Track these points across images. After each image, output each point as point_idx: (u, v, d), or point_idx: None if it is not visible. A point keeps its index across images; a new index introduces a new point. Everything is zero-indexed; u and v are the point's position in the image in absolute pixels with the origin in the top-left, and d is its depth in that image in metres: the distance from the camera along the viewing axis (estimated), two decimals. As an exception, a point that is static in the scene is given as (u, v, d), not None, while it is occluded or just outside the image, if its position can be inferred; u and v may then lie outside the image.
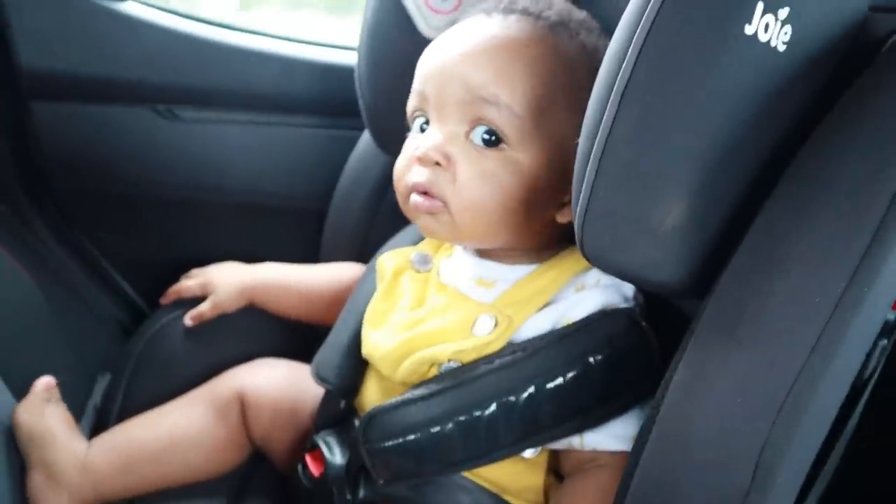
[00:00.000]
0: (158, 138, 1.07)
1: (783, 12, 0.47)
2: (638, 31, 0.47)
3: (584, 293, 0.66)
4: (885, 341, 0.51)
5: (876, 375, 0.54)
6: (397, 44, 0.85)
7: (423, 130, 0.68)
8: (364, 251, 0.95)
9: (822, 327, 0.45)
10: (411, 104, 0.69)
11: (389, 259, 0.79)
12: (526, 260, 0.70)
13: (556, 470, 0.68)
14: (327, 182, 1.08)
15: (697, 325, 0.51)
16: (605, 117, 0.49)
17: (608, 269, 0.54)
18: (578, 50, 0.66)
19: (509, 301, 0.67)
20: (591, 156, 0.50)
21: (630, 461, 0.54)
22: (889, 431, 0.67)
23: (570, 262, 0.68)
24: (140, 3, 1.06)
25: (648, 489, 0.52)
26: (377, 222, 0.99)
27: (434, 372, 0.66)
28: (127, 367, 0.93)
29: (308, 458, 0.73)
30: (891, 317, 0.52)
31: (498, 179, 0.63)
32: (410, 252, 0.78)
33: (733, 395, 0.48)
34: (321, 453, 0.71)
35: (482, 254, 0.72)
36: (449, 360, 0.65)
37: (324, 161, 1.11)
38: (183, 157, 1.09)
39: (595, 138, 0.50)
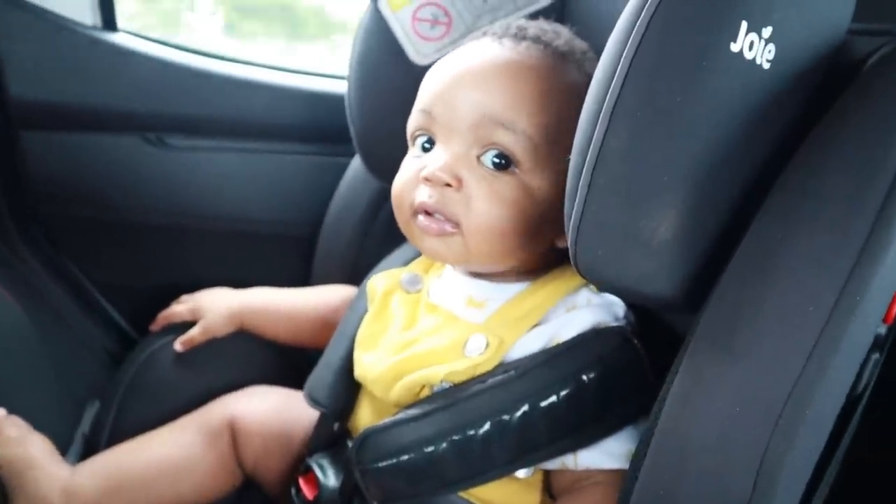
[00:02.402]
0: (148, 166, 1.08)
1: (767, 31, 0.48)
2: (627, 48, 0.48)
3: (574, 313, 0.66)
4: (877, 355, 0.52)
5: (870, 389, 0.55)
6: (387, 71, 0.86)
7: (425, 150, 0.68)
8: (355, 276, 0.95)
9: (816, 337, 0.46)
10: (414, 123, 0.69)
11: (380, 280, 0.79)
12: (516, 279, 0.70)
13: (551, 490, 0.67)
14: (317, 208, 1.09)
15: (693, 337, 0.52)
16: (595, 132, 0.50)
17: (601, 282, 0.55)
18: (584, 79, 0.67)
19: (500, 321, 0.67)
20: (584, 170, 0.51)
21: (629, 475, 0.54)
22: (886, 444, 0.68)
23: (561, 281, 0.69)
24: (130, 33, 1.07)
25: (649, 502, 0.52)
26: (367, 247, 1.00)
27: (427, 393, 0.66)
28: (116, 394, 0.91)
29: (301, 482, 0.72)
30: (882, 331, 0.53)
31: (511, 203, 0.64)
32: (401, 273, 0.78)
33: (731, 406, 0.48)
34: (315, 476, 0.71)
35: (474, 273, 0.72)
36: (442, 382, 0.65)
37: (313, 188, 1.11)
38: (173, 185, 1.09)
39: (586, 153, 0.51)
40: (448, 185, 0.64)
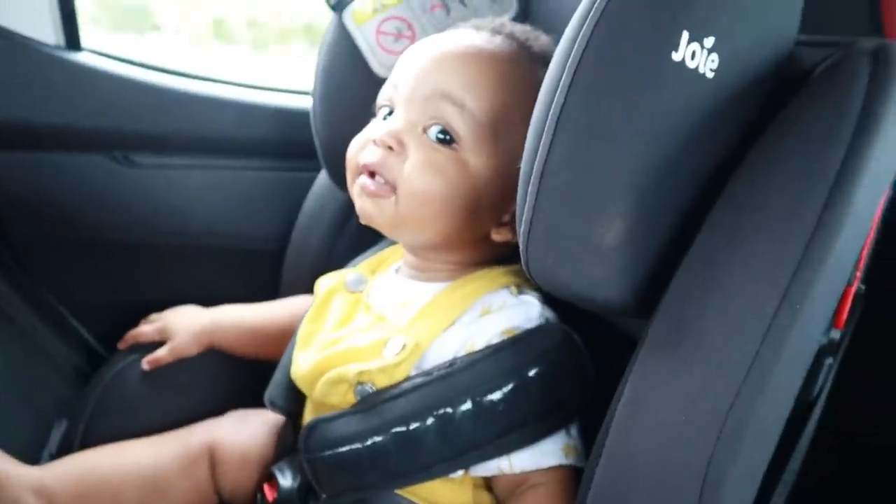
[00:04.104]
0: (115, 184, 1.07)
1: (709, 41, 0.49)
2: (571, 56, 0.49)
3: (487, 318, 0.67)
4: (830, 360, 0.53)
5: (825, 392, 0.56)
6: (351, 83, 0.87)
7: (385, 120, 0.70)
8: (323, 288, 0.95)
9: (757, 345, 0.47)
10: (382, 95, 0.72)
11: (325, 280, 0.80)
12: (444, 277, 0.71)
13: (489, 486, 0.67)
14: (285, 222, 1.09)
15: (642, 345, 0.52)
16: (542, 141, 0.51)
17: (553, 287, 0.55)
18: None
19: (419, 321, 0.68)
20: (531, 178, 0.52)
21: (583, 484, 0.54)
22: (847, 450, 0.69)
23: (483, 281, 0.70)
24: (94, 52, 1.07)
25: (600, 509, 0.52)
26: (335, 259, 0.99)
27: (351, 394, 0.66)
28: (84, 412, 0.90)
29: (265, 487, 0.72)
30: (835, 336, 0.53)
31: (445, 173, 0.66)
32: (347, 273, 0.80)
33: (677, 416, 0.48)
34: (276, 480, 0.71)
35: (412, 268, 0.74)
36: (358, 382, 0.65)
37: (281, 202, 1.12)
38: (140, 203, 1.08)
39: (534, 161, 0.52)
40: (390, 148, 0.66)
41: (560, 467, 0.64)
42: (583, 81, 0.49)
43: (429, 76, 0.67)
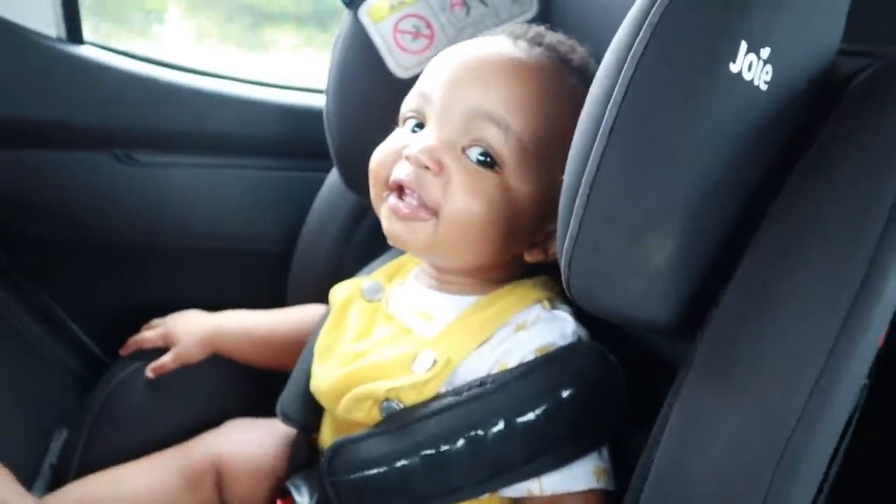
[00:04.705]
0: (117, 183, 1.04)
1: (765, 52, 0.47)
2: (625, 68, 0.47)
3: (521, 335, 0.64)
4: (866, 381, 0.51)
5: (857, 412, 0.54)
6: (367, 84, 0.84)
7: (413, 132, 0.67)
8: (332, 293, 0.92)
9: (817, 374, 0.45)
10: (409, 104, 0.68)
11: (341, 289, 0.77)
12: (471, 290, 0.69)
13: None
14: (292, 224, 1.06)
15: (690, 370, 0.50)
16: (591, 155, 0.48)
17: (594, 307, 0.54)
18: None
19: (450, 337, 0.65)
20: (579, 193, 0.50)
21: None
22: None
23: (514, 297, 0.67)
24: (96, 45, 1.03)
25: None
26: (345, 264, 0.97)
27: (376, 410, 0.64)
28: (86, 422, 0.87)
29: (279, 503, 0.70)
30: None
31: (489, 199, 0.63)
32: (363, 282, 0.77)
33: (733, 443, 0.47)
34: (292, 497, 0.69)
35: (432, 278, 0.71)
36: (387, 399, 0.63)
37: (288, 203, 1.09)
38: (143, 202, 1.05)
39: (581, 175, 0.50)
40: (427, 167, 0.62)
41: (591, 491, 0.62)
42: (637, 93, 0.47)
43: (467, 92, 0.63)
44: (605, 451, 0.64)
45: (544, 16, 0.86)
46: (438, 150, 0.62)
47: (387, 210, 0.65)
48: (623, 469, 0.64)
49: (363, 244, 0.97)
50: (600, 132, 0.48)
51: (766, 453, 0.45)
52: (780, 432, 0.45)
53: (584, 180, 0.49)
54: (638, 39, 0.47)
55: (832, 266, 0.46)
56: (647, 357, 0.66)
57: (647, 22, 0.46)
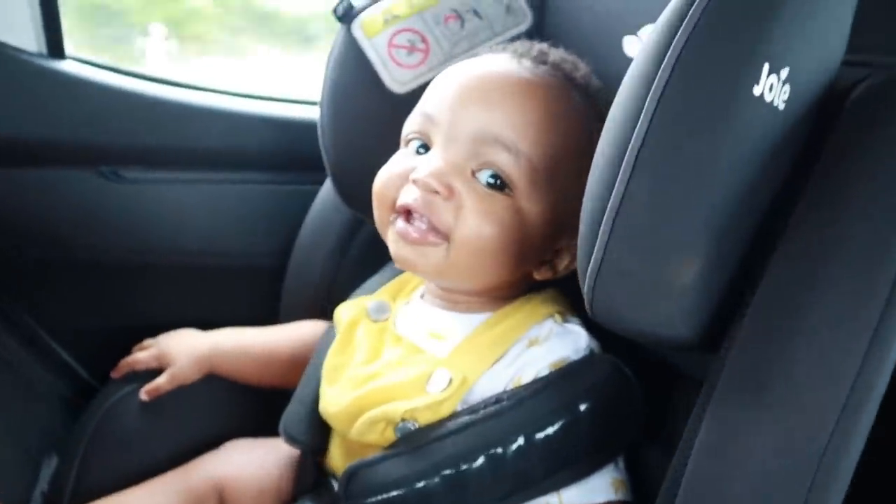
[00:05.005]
0: (104, 201, 1.01)
1: (785, 72, 0.48)
2: (651, 92, 0.47)
3: (535, 350, 0.64)
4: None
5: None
6: (362, 99, 0.82)
7: (418, 153, 0.66)
8: (326, 309, 0.90)
9: (850, 386, 0.46)
10: (412, 125, 0.67)
11: (346, 310, 0.76)
12: (480, 308, 0.69)
13: None
14: (285, 238, 1.04)
15: (718, 383, 0.51)
16: (618, 179, 0.49)
17: (618, 327, 0.54)
18: (595, 116, 0.66)
19: (463, 355, 0.65)
20: (605, 217, 0.50)
21: None
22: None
23: (526, 313, 0.67)
24: (78, 60, 1.00)
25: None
26: (340, 278, 0.96)
27: (390, 431, 0.63)
28: (77, 448, 0.85)
29: None
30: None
31: (501, 223, 0.62)
32: (367, 301, 0.76)
33: (768, 458, 0.47)
34: None
35: (439, 298, 0.70)
36: (403, 420, 0.62)
37: (281, 217, 1.07)
38: (130, 220, 1.02)
39: (606, 199, 0.50)
40: (437, 192, 0.61)
41: (609, 503, 0.62)
42: (664, 118, 0.47)
43: (475, 113, 0.63)
44: (621, 463, 0.64)
45: (538, 27, 0.86)
46: (448, 174, 0.62)
47: (395, 234, 0.64)
48: (635, 480, 0.65)
49: (358, 258, 0.96)
50: (626, 157, 0.48)
51: (803, 466, 0.46)
52: (816, 446, 0.46)
53: (609, 204, 0.49)
54: (663, 66, 0.47)
55: (860, 279, 0.47)
56: (656, 367, 0.67)
57: (671, 47, 0.47)
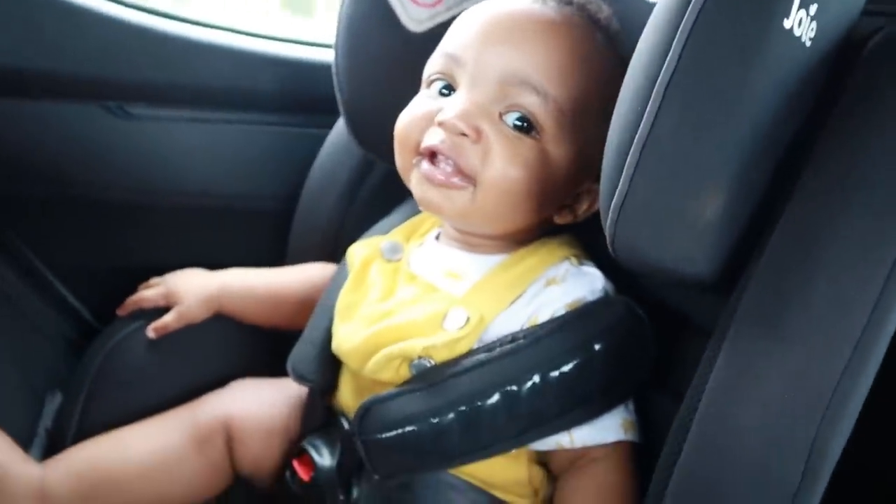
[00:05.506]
0: (109, 137, 0.99)
1: (813, 8, 0.48)
2: (682, 24, 0.47)
3: (552, 289, 0.65)
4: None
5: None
6: (378, 38, 0.82)
7: (442, 95, 0.65)
8: (335, 253, 0.91)
9: (864, 323, 0.47)
10: (435, 65, 0.66)
11: (359, 249, 0.77)
12: (497, 249, 0.69)
13: (542, 460, 0.66)
14: (293, 182, 1.03)
15: (733, 321, 0.52)
16: (647, 110, 0.49)
17: (639, 263, 0.54)
18: (617, 60, 0.66)
19: (480, 294, 0.66)
20: (631, 150, 0.50)
21: (663, 462, 0.54)
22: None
23: (542, 255, 0.68)
24: (88, -8, 0.98)
25: (690, 488, 0.51)
26: (349, 221, 0.95)
27: (405, 368, 0.64)
28: (82, 385, 0.85)
29: (296, 464, 0.70)
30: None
31: (529, 166, 0.62)
32: (380, 241, 0.76)
33: (781, 393, 0.48)
34: (309, 458, 0.68)
35: (455, 240, 0.70)
36: (419, 357, 0.63)
37: (289, 160, 1.06)
38: (136, 157, 1.01)
39: (633, 132, 0.50)
40: (464, 134, 0.61)
41: (619, 442, 0.63)
42: (695, 49, 0.47)
43: (502, 55, 0.62)
44: (631, 405, 0.65)
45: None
46: (475, 116, 0.61)
47: (419, 176, 0.64)
48: (643, 428, 0.65)
49: (367, 202, 0.96)
50: (656, 88, 0.48)
51: (814, 404, 0.47)
52: (827, 382, 0.47)
53: (637, 136, 0.49)
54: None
55: (878, 218, 0.48)
56: (667, 314, 0.67)
57: None
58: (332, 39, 0.85)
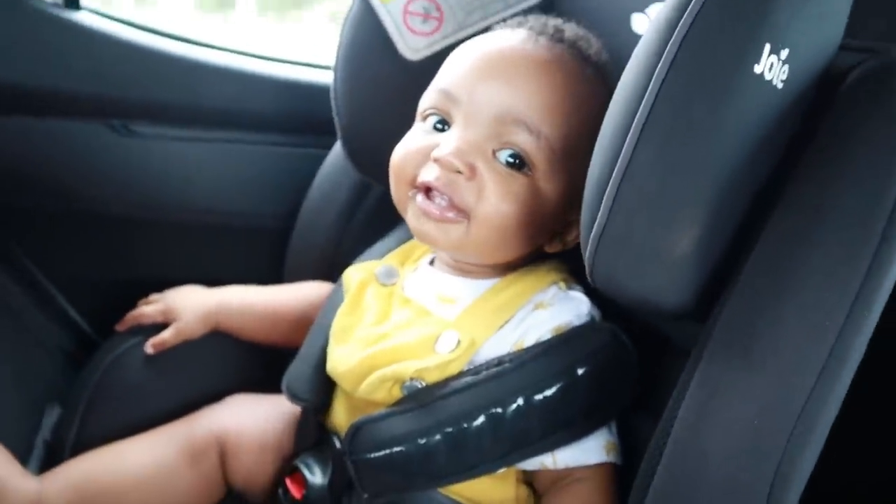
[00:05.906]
0: (113, 155, 1.02)
1: (784, 53, 0.50)
2: (660, 64, 0.49)
3: (539, 313, 0.67)
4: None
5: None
6: (376, 65, 0.84)
7: (436, 129, 0.67)
8: (332, 271, 0.91)
9: (829, 349, 0.49)
10: (430, 100, 0.68)
11: (355, 272, 0.78)
12: (488, 274, 0.71)
13: (529, 480, 0.68)
14: (291, 201, 1.05)
15: (707, 346, 0.53)
16: (625, 146, 0.51)
17: (616, 293, 0.56)
18: (607, 92, 0.67)
19: (471, 318, 0.67)
20: (609, 184, 0.52)
21: (640, 482, 0.55)
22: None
23: (532, 280, 0.69)
24: (93, 12, 1.00)
25: (663, 506, 0.53)
26: (346, 242, 0.97)
27: (397, 389, 0.65)
28: (81, 398, 0.86)
29: (288, 482, 0.71)
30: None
31: (521, 202, 0.64)
32: (376, 266, 0.78)
33: (751, 417, 0.50)
34: (301, 476, 0.70)
35: (449, 265, 0.72)
36: (411, 378, 0.64)
37: (288, 179, 1.08)
38: (139, 175, 1.03)
39: (610, 167, 0.52)
40: (459, 172, 0.63)
41: (601, 464, 0.64)
42: (670, 90, 0.49)
43: (496, 94, 0.64)
44: (614, 427, 0.66)
45: (550, 1, 0.87)
46: (470, 154, 0.63)
47: (416, 210, 0.66)
48: (625, 448, 0.67)
49: (364, 222, 0.98)
50: (633, 126, 0.50)
51: (781, 427, 0.49)
52: (794, 408, 0.49)
53: (615, 172, 0.51)
54: (671, 42, 0.49)
55: (845, 248, 0.50)
56: (650, 337, 0.69)
57: (679, 25, 0.49)
58: (331, 61, 0.87)
